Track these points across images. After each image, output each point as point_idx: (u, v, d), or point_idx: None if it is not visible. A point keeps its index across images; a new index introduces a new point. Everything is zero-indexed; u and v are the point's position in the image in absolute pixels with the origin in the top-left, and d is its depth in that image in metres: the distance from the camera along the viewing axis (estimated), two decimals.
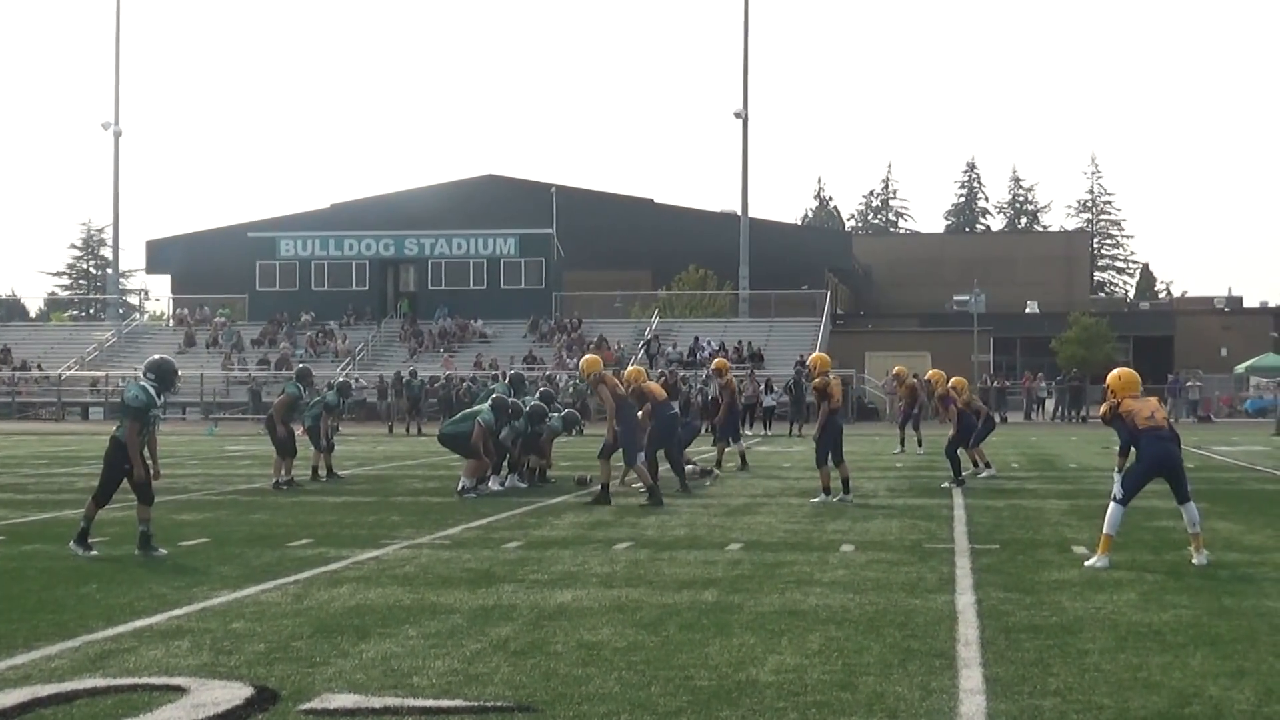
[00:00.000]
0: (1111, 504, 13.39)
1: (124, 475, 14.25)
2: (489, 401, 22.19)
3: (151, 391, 14.33)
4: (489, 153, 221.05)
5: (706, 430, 35.54)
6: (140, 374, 14.83)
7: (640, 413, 21.21)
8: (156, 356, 15.29)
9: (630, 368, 23.62)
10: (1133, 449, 13.46)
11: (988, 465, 25.55)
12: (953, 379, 25.67)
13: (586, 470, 23.64)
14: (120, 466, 14.23)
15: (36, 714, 7.53)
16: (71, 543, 14.23)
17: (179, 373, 15.38)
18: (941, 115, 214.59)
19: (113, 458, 14.29)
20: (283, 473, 23.18)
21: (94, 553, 14.03)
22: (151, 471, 14.39)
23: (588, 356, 21.79)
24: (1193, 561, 13.30)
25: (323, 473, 24.78)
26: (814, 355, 21.59)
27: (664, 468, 22.10)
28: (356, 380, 55.47)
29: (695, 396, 50.03)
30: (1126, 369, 14.07)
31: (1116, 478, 13.58)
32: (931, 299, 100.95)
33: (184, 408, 63.68)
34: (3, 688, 8.12)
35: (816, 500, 20.03)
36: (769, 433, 47.41)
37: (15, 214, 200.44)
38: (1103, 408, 13.89)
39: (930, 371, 27.35)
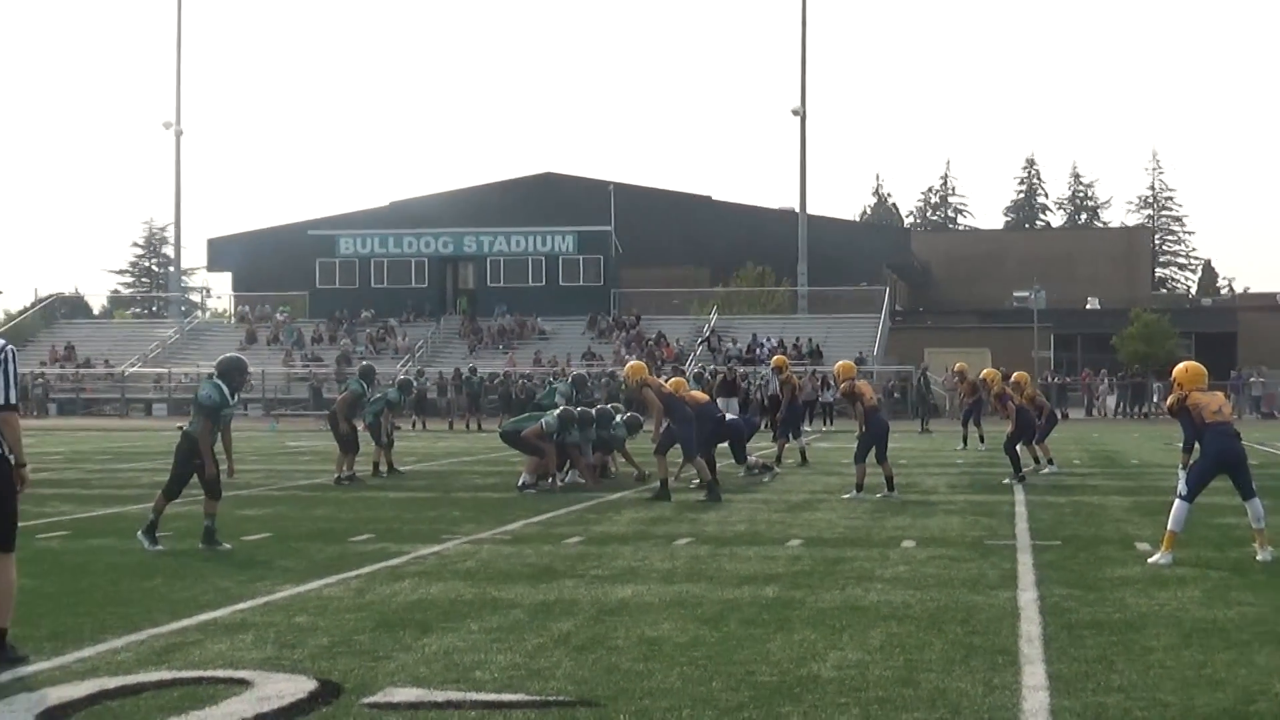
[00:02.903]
0: (1176, 501, 13.30)
1: (194, 470, 14.38)
2: (557, 412, 22.07)
3: (225, 390, 14.45)
4: (547, 150, 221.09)
5: (766, 426, 35.59)
6: (214, 372, 14.95)
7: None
8: (227, 355, 15.42)
9: (673, 379, 23.71)
10: (1196, 445, 13.39)
11: (1050, 461, 25.42)
12: (1015, 374, 25.63)
13: (649, 467, 23.64)
14: (190, 461, 14.37)
15: (103, 706, 7.61)
16: (140, 533, 14.37)
17: (247, 370, 15.51)
18: (1001, 111, 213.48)
19: (184, 452, 14.43)
20: (344, 468, 23.31)
21: (160, 547, 14.15)
22: (226, 469, 14.54)
23: (631, 363, 21.83)
24: (1257, 558, 13.20)
25: (384, 468, 24.91)
26: (838, 364, 21.66)
27: (727, 463, 22.11)
28: (420, 375, 55.70)
29: (755, 393, 50.04)
30: (1193, 362, 13.96)
31: (1181, 474, 13.50)
32: (991, 295, 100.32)
33: (245, 404, 63.98)
34: (70, 680, 8.21)
35: (848, 496, 20.08)
36: (829, 428, 47.26)
37: (79, 212, 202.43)
38: (1170, 400, 13.79)
39: (985, 370, 27.23)
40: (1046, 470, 24.91)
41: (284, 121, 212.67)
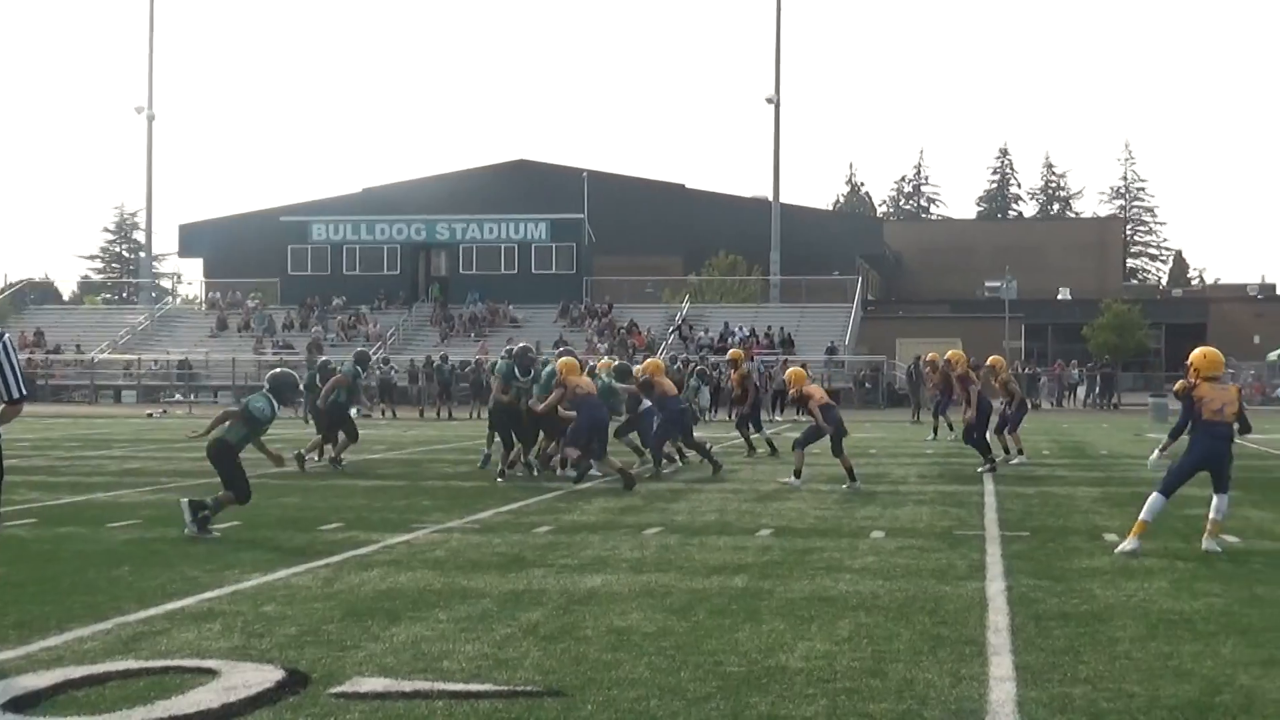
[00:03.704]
0: (1153, 494, 13.32)
1: (240, 468, 14.62)
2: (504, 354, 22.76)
3: (274, 404, 14.73)
4: (520, 138, 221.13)
5: (730, 417, 35.62)
6: (266, 385, 15.27)
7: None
8: (281, 370, 15.73)
9: (650, 360, 23.94)
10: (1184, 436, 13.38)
11: (1020, 452, 25.48)
12: (991, 358, 25.78)
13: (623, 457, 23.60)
14: (235, 462, 14.55)
15: (69, 695, 7.56)
16: (189, 519, 14.19)
17: (299, 386, 15.74)
18: (974, 101, 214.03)
19: (225, 457, 14.55)
20: (333, 451, 23.31)
21: (216, 534, 14.13)
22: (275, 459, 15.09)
23: (564, 360, 21.61)
24: (1203, 546, 13.22)
25: (318, 456, 24.15)
26: (788, 372, 21.89)
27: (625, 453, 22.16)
28: (385, 362, 55.71)
29: (725, 382, 49.95)
30: (1211, 349, 13.82)
31: (1156, 454, 13.56)
32: (963, 285, 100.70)
33: (215, 391, 63.91)
34: (36, 669, 8.16)
35: (785, 480, 20.38)
36: (802, 417, 47.20)
37: (49, 197, 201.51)
38: (1179, 383, 13.68)
39: (950, 352, 27.15)
40: (1016, 461, 24.97)
41: (257, 107, 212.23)
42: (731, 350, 32.03)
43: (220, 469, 14.67)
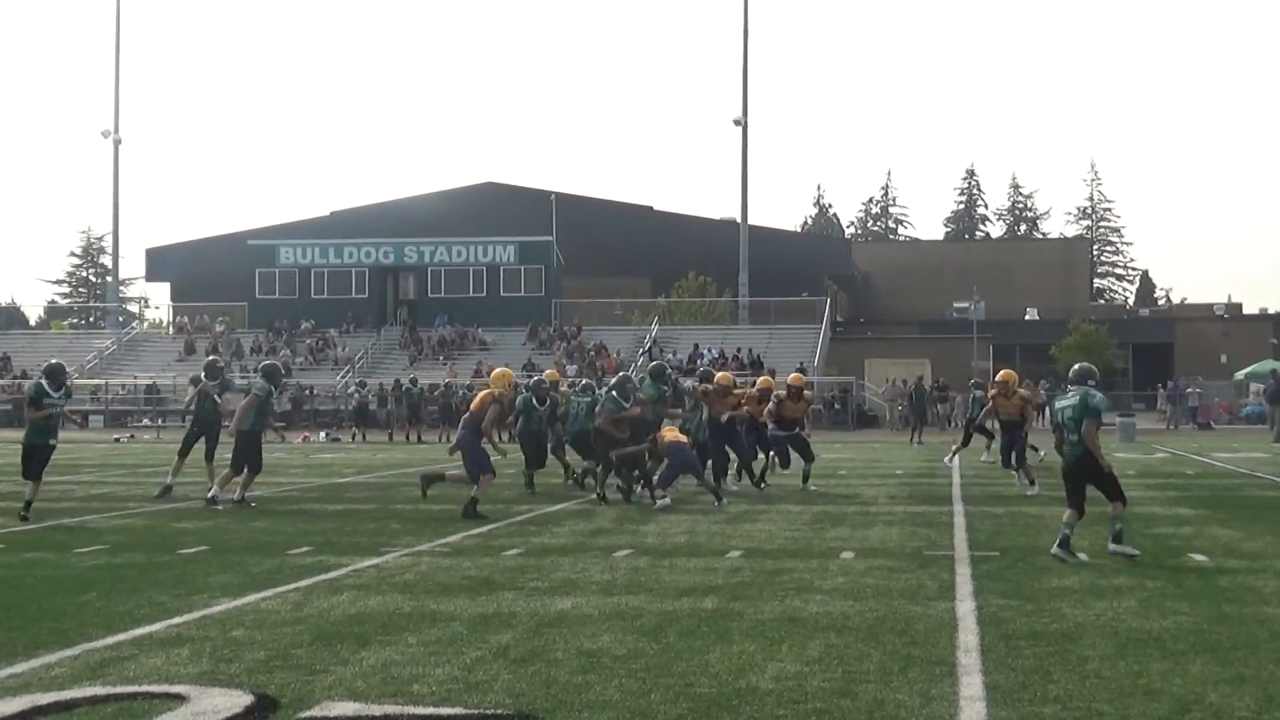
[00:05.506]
0: None
1: None
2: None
3: None
4: (489, 160, 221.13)
5: None
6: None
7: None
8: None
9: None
10: None
11: (1032, 482, 24.48)
12: (1000, 372, 24.90)
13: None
14: None
15: None
16: (1057, 548, 14.09)
17: None
18: (941, 122, 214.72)
19: None
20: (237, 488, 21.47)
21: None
22: None
23: (498, 369, 21.20)
24: None
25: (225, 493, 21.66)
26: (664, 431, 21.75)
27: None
28: (362, 385, 55.65)
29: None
30: None
31: None
32: (931, 306, 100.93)
33: (184, 416, 63.57)
34: (2, 696, 8.11)
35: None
36: None
37: (15, 222, 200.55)
38: None
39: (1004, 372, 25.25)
40: (1032, 491, 24.20)
41: (224, 130, 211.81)
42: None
43: None
